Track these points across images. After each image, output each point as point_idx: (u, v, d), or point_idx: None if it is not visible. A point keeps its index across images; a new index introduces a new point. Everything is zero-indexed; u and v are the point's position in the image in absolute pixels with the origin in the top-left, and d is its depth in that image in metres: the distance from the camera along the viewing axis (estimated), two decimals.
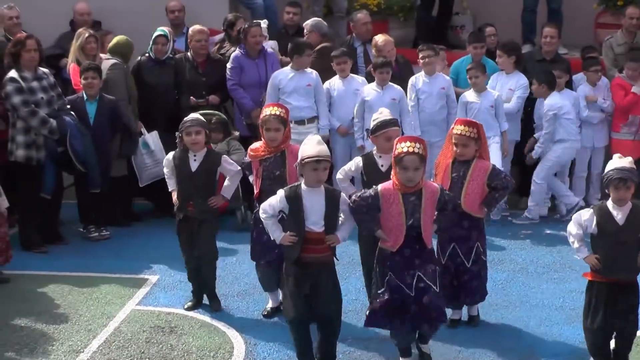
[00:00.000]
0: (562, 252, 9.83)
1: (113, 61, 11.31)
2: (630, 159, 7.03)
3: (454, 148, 7.95)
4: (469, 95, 11.21)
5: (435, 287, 7.08)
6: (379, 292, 7.15)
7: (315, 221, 6.99)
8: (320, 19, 12.93)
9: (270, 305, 8.54)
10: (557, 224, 11.41)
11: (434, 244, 7.48)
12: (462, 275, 8.11)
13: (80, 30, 11.67)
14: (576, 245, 7.08)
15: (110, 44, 11.56)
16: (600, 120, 11.85)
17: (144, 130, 11.35)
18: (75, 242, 10.75)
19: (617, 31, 12.92)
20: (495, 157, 10.56)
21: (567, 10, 13.89)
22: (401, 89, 11.21)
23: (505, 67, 11.65)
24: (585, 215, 7.02)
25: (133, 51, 11.63)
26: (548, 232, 11.18)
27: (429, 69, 11.31)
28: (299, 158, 6.96)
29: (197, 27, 11.93)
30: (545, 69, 11.66)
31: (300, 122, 11.19)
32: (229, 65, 11.70)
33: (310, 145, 6.95)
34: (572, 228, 7.09)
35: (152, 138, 11.35)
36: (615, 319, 6.96)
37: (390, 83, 11.11)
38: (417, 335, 7.40)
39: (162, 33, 11.50)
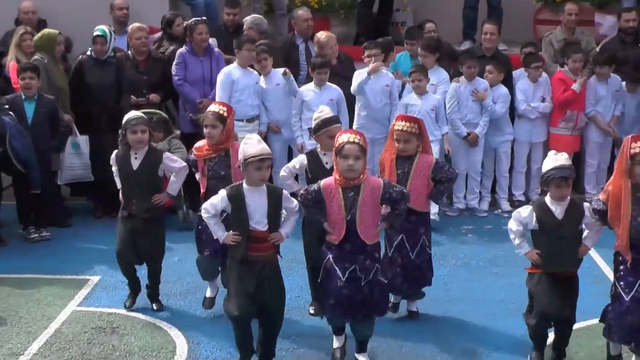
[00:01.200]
0: (504, 246, 9.91)
1: (33, 57, 11.20)
2: (566, 155, 7.11)
3: (396, 144, 7.99)
4: (410, 97, 11.23)
5: (367, 280, 7.16)
6: (320, 280, 7.26)
7: (258, 220, 6.99)
8: (260, 16, 12.90)
9: (208, 294, 8.52)
10: (498, 219, 11.52)
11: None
12: (407, 267, 8.17)
13: (18, 27, 11.55)
14: (517, 241, 7.17)
15: (34, 39, 11.45)
16: (539, 116, 11.97)
17: (76, 130, 11.23)
18: (15, 244, 10.60)
19: (556, 27, 13.06)
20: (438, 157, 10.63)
21: (507, 7, 13.99)
22: (340, 89, 11.20)
23: (428, 64, 11.65)
24: (525, 212, 7.10)
25: (59, 44, 11.49)
26: (489, 226, 11.29)
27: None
28: (241, 157, 6.95)
29: (136, 24, 11.86)
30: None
31: (250, 119, 11.20)
32: (174, 61, 11.67)
33: (252, 145, 6.94)
34: (512, 225, 7.18)
35: (83, 141, 11.26)
36: (555, 310, 7.02)
37: (328, 83, 11.10)
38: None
39: (100, 33, 11.34)
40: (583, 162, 12.27)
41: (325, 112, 8.11)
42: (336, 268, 7.12)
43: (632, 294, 6.89)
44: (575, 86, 11.67)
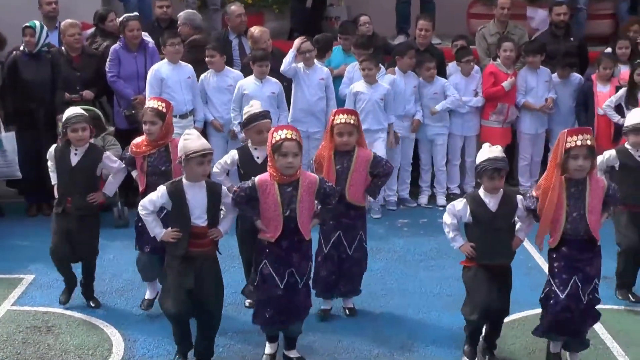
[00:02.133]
0: (439, 239, 9.96)
1: None
2: (500, 147, 7.16)
3: (338, 138, 7.99)
4: (359, 85, 11.22)
5: (303, 285, 7.20)
6: (255, 284, 7.21)
7: (199, 215, 6.98)
8: (194, 11, 12.84)
9: (147, 296, 8.45)
10: (433, 212, 11.60)
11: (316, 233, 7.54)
12: (343, 263, 8.20)
13: None
14: (451, 235, 7.21)
15: None
16: (471, 110, 12.08)
17: (1, 127, 11.06)
18: None
19: (489, 21, 13.16)
20: (381, 151, 10.70)
21: (440, 1, 14.11)
22: (279, 82, 11.20)
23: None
24: (459, 205, 7.15)
25: None
26: (424, 220, 11.36)
27: (308, 62, 11.32)
28: (182, 153, 6.92)
29: (68, 21, 11.71)
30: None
31: (184, 115, 11.13)
32: (108, 57, 11.58)
33: (193, 140, 6.93)
34: (446, 218, 7.22)
35: (7, 139, 11.03)
36: (493, 303, 7.08)
37: (268, 77, 11.08)
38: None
39: (29, 24, 11.19)
40: (516, 155, 12.40)
41: (255, 107, 8.13)
42: (274, 275, 7.10)
43: (566, 291, 6.97)
44: (505, 84, 11.79)
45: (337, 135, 7.97)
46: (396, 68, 11.72)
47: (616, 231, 8.51)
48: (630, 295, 8.67)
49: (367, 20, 12.74)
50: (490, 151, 7.05)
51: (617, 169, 8.45)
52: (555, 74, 12.19)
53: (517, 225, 7.18)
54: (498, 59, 12.03)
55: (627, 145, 8.47)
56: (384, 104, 11.21)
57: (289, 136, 6.94)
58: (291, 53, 11.05)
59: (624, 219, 8.43)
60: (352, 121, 7.96)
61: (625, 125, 8.56)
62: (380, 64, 11.39)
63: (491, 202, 7.04)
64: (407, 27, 13.98)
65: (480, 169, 7.04)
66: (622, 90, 11.47)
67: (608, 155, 8.42)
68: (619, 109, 11.48)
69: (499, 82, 11.86)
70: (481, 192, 7.11)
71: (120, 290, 8.99)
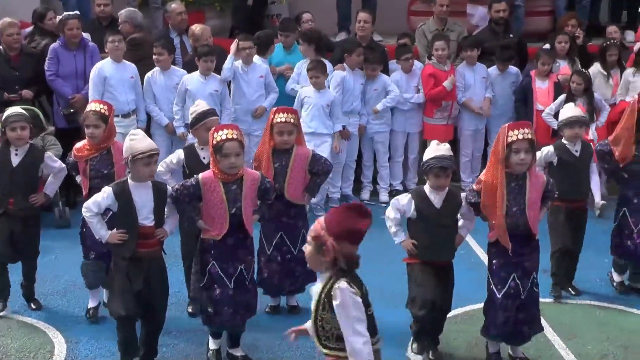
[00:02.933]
0: (382, 236, 9.94)
1: None
2: (447, 145, 7.20)
3: (278, 137, 7.99)
4: (307, 90, 11.22)
5: (250, 282, 7.25)
6: (201, 285, 7.18)
7: (146, 216, 6.96)
8: (134, 9, 12.75)
9: (90, 304, 8.31)
10: (376, 209, 11.62)
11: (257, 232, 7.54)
12: (289, 263, 8.21)
13: None
14: (393, 229, 7.23)
15: None
16: (413, 107, 12.13)
17: None
18: None
19: (429, 18, 13.24)
20: (326, 155, 10.72)
21: None
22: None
23: (307, 54, 11.74)
24: (404, 200, 7.17)
25: None
26: None
27: (247, 59, 11.30)
28: (128, 154, 6.89)
29: (7, 20, 11.57)
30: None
31: (126, 115, 11.07)
32: (47, 56, 11.48)
33: (139, 141, 6.92)
34: (390, 212, 7.23)
35: None
36: (438, 299, 7.13)
37: (213, 73, 11.08)
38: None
39: None
40: (458, 151, 12.49)
41: (201, 105, 8.10)
42: (222, 275, 7.10)
43: (504, 290, 7.04)
44: (446, 83, 11.85)
45: (277, 134, 7.98)
46: (345, 65, 11.74)
47: (550, 230, 8.57)
48: (570, 289, 8.78)
49: (309, 18, 12.77)
50: (437, 149, 7.09)
51: (555, 164, 8.55)
52: (493, 68, 12.28)
53: (460, 223, 7.23)
54: (433, 58, 12.09)
55: (563, 141, 8.58)
56: (329, 110, 11.23)
57: (229, 136, 6.94)
58: (230, 60, 11.02)
59: (561, 217, 8.52)
60: (292, 120, 7.99)
61: (559, 120, 8.67)
62: (327, 70, 11.35)
63: (436, 199, 7.08)
64: (348, 24, 14.01)
65: (426, 166, 7.08)
66: (562, 97, 11.60)
67: (546, 151, 8.51)
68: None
69: (439, 82, 11.90)
70: (426, 188, 7.14)
71: (62, 291, 8.90)
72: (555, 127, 10.82)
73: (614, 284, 8.88)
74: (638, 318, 8.28)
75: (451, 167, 7.08)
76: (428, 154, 7.10)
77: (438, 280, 7.14)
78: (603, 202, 9.07)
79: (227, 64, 11.08)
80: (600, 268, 9.18)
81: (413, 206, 7.12)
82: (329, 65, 11.69)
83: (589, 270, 8.98)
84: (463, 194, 7.21)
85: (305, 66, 11.37)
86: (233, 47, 11.13)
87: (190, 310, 8.31)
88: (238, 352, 7.43)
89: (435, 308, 7.16)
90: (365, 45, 12.11)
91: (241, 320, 7.27)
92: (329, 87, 11.38)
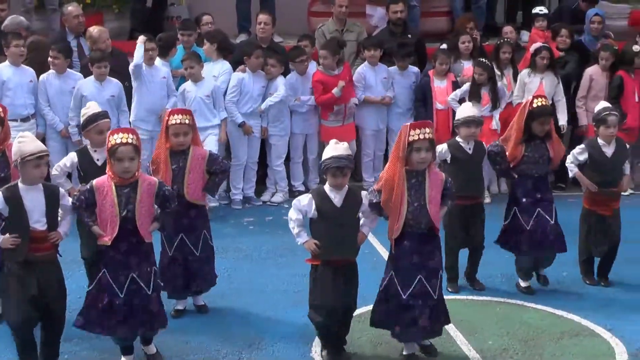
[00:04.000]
0: (285, 237, 9.99)
1: None
2: (346, 144, 7.22)
3: (174, 139, 7.96)
4: (187, 84, 11.25)
5: (148, 290, 7.08)
6: (89, 290, 7.11)
7: (37, 219, 6.82)
8: (16, 16, 12.43)
9: None
10: (279, 210, 11.66)
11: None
12: (192, 264, 8.16)
13: None
14: (296, 230, 7.22)
15: None
16: (310, 108, 12.16)
17: None
18: None
19: (329, 19, 13.30)
20: (213, 148, 10.73)
21: (282, 0, 14.18)
22: (120, 83, 11.08)
23: (210, 54, 11.72)
24: (305, 200, 7.17)
25: None
26: (270, 218, 11.41)
27: (150, 62, 11.24)
28: (17, 157, 6.77)
29: None
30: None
31: (25, 119, 10.93)
32: None
33: (28, 143, 6.79)
34: (292, 214, 7.23)
35: None
36: (339, 298, 7.15)
37: (109, 78, 10.97)
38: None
39: None
40: (360, 151, 12.56)
41: (92, 108, 8.03)
42: (112, 283, 7.00)
43: (409, 291, 7.10)
44: (335, 91, 11.84)
45: (173, 136, 7.96)
46: (246, 67, 11.74)
47: (444, 226, 8.61)
48: (474, 285, 8.94)
49: (209, 20, 12.76)
50: (335, 149, 7.10)
51: (448, 162, 8.67)
52: (394, 68, 12.38)
53: (362, 221, 7.28)
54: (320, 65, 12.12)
55: (458, 139, 8.70)
56: (212, 101, 11.21)
57: (124, 140, 6.87)
58: (140, 48, 10.92)
59: (455, 214, 8.62)
60: (187, 121, 7.98)
61: (456, 119, 8.79)
62: (202, 62, 11.39)
63: (336, 198, 7.10)
64: (248, 25, 14.01)
65: (324, 166, 7.09)
66: (467, 85, 11.78)
67: (440, 149, 8.61)
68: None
69: (327, 88, 11.89)
70: (326, 187, 7.15)
71: None
72: None
73: (523, 290, 9.00)
74: (537, 313, 8.43)
75: (348, 166, 7.11)
76: (326, 154, 7.12)
77: (341, 282, 7.15)
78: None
79: (139, 52, 10.95)
80: (499, 264, 9.33)
81: (314, 206, 7.13)
82: (226, 65, 11.67)
83: (488, 266, 9.11)
84: (364, 192, 7.25)
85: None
86: (141, 37, 11.04)
87: None
88: (151, 350, 7.38)
89: (336, 314, 7.18)
90: (265, 47, 12.11)
91: (130, 330, 7.11)
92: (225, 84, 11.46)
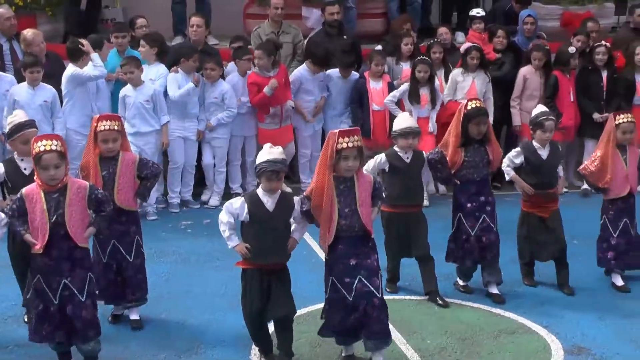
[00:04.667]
0: (222, 239, 9.97)
1: None
2: (280, 149, 7.19)
3: (103, 145, 7.90)
4: (127, 89, 11.18)
5: (81, 296, 7.00)
6: (28, 297, 7.03)
7: None
8: None
9: None
10: (216, 213, 11.54)
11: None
12: (125, 271, 8.08)
13: None
14: (227, 233, 7.18)
15: None
16: (248, 110, 12.15)
17: None
18: None
19: (264, 21, 13.29)
20: (154, 151, 10.68)
21: (217, 1, 14.16)
22: (54, 89, 10.97)
23: (147, 57, 11.66)
24: (237, 203, 7.14)
25: None
26: (207, 221, 11.33)
27: (82, 65, 11.12)
28: None
29: None
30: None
31: None
32: None
33: None
34: (223, 216, 7.18)
35: None
36: (268, 303, 7.11)
37: (42, 83, 10.86)
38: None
39: None
40: (297, 152, 12.57)
41: (19, 116, 7.96)
42: (46, 289, 6.93)
43: (353, 293, 7.08)
44: (266, 89, 11.83)
45: (102, 142, 7.89)
46: (179, 69, 11.69)
47: (384, 232, 8.74)
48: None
49: (144, 23, 12.68)
50: (270, 152, 7.08)
51: (387, 171, 8.69)
52: (334, 70, 12.40)
53: (293, 226, 7.26)
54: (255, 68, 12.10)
55: (396, 148, 8.72)
56: (152, 105, 11.15)
57: (47, 148, 6.81)
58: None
59: (393, 223, 8.67)
60: (116, 127, 7.91)
61: (393, 130, 8.76)
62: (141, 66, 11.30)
63: (269, 202, 7.08)
64: (183, 27, 13.94)
65: (259, 170, 7.07)
66: (405, 86, 11.84)
67: (379, 159, 8.65)
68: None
69: (262, 89, 11.87)
70: (259, 191, 7.13)
71: None
72: (397, 114, 11.00)
73: (460, 288, 9.07)
74: (474, 312, 8.50)
75: (283, 170, 7.10)
76: (261, 158, 7.10)
77: (267, 286, 7.11)
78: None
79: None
80: (437, 264, 9.34)
81: (246, 209, 7.10)
82: (163, 68, 11.62)
83: None
84: (296, 198, 7.23)
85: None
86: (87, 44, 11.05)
87: (26, 319, 8.09)
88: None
89: (263, 318, 7.16)
90: (200, 50, 12.07)
91: (70, 339, 7.06)
92: (163, 87, 11.42)
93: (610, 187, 9.03)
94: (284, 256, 7.21)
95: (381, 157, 8.69)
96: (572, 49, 12.59)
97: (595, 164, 9.03)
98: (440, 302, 8.67)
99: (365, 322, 7.11)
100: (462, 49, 12.50)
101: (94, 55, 11.06)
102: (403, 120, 8.75)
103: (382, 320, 7.16)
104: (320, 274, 7.44)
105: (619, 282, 9.16)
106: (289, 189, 7.41)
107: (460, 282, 9.03)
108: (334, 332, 7.31)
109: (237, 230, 7.22)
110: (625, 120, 8.95)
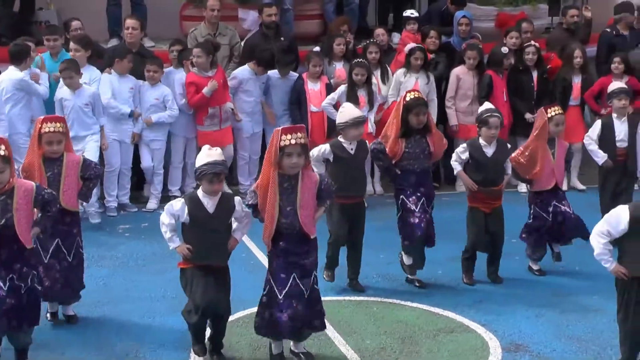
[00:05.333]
0: (162, 243, 9.89)
1: None
2: (219, 150, 7.20)
3: (47, 147, 7.86)
4: (64, 92, 11.06)
5: (22, 290, 6.99)
6: None
7: None
8: None
9: None
10: (155, 216, 11.50)
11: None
12: (65, 270, 8.05)
13: None
14: (168, 235, 7.20)
15: None
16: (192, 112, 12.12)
17: None
18: None
19: (200, 23, 13.25)
20: (93, 153, 10.60)
21: (153, 4, 14.09)
22: None
23: (81, 60, 11.52)
24: (177, 205, 7.15)
25: None
26: (145, 224, 11.30)
27: (24, 67, 11.06)
28: None
29: None
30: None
31: None
32: None
33: None
34: (164, 218, 7.20)
35: None
36: (212, 303, 7.09)
37: None
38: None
39: None
40: (235, 154, 12.53)
41: None
42: None
43: (285, 290, 7.12)
44: (205, 90, 11.80)
45: (47, 144, 7.86)
46: (112, 70, 11.60)
47: (328, 221, 8.78)
48: (357, 286, 9.02)
49: (78, 26, 12.56)
50: (209, 155, 7.08)
51: (331, 161, 8.72)
52: (274, 72, 12.40)
53: (234, 226, 7.27)
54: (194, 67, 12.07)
55: (340, 139, 8.74)
56: (91, 108, 11.07)
57: None
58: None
59: (336, 213, 8.72)
60: (60, 129, 7.90)
61: (343, 120, 8.69)
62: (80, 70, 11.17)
63: (209, 204, 7.09)
64: (119, 30, 13.82)
65: (199, 172, 7.07)
66: (342, 88, 11.86)
67: (323, 149, 8.68)
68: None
69: (200, 89, 11.84)
70: (200, 193, 7.14)
71: None
72: (335, 118, 11.05)
73: (405, 267, 9.13)
74: (413, 311, 8.55)
75: (224, 172, 7.11)
76: (200, 160, 7.10)
77: (211, 284, 7.12)
78: None
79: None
80: (375, 264, 9.45)
81: (186, 211, 7.11)
82: (96, 71, 11.53)
83: (365, 266, 9.18)
84: (237, 198, 7.24)
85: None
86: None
87: None
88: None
89: (207, 312, 7.14)
90: (135, 52, 11.99)
91: (8, 326, 6.99)
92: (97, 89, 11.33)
93: (537, 179, 9.23)
94: (224, 257, 7.25)
95: (325, 147, 8.71)
96: (505, 49, 12.74)
97: (526, 154, 9.20)
98: (357, 288, 8.93)
99: (295, 319, 7.13)
100: (406, 49, 12.57)
101: (44, 75, 11.11)
102: (351, 110, 8.77)
103: (311, 322, 7.27)
104: (258, 276, 7.45)
105: (535, 266, 9.55)
106: (229, 190, 7.42)
107: (406, 261, 9.06)
108: (265, 327, 7.32)
109: (178, 231, 7.19)
110: (556, 112, 9.25)
